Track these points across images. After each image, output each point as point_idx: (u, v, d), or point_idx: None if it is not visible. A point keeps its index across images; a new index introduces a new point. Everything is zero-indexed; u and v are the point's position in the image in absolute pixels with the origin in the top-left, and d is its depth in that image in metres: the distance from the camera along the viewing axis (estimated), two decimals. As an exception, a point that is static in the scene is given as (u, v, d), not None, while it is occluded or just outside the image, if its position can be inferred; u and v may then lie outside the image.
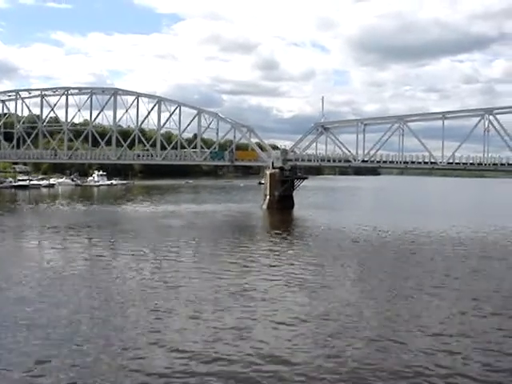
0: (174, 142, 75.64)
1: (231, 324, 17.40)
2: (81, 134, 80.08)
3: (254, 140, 74.44)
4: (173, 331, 16.68)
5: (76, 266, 26.73)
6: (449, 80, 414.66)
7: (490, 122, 64.40)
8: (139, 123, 77.06)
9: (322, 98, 75.56)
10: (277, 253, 32.61)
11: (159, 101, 76.11)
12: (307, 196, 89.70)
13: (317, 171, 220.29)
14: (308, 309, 19.55)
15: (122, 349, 14.92)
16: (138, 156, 79.02)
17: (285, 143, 63.28)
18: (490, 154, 65.79)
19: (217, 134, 74.97)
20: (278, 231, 44.62)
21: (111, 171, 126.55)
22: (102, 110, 78.67)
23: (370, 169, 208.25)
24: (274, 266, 27.85)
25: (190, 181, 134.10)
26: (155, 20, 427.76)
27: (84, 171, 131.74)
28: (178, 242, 36.17)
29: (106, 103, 78.08)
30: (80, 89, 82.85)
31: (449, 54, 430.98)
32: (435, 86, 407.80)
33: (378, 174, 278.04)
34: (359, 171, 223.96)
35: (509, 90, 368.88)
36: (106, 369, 13.53)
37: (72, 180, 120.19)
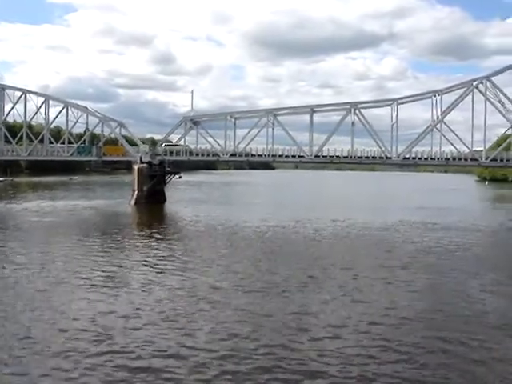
0: (40, 137, 72.12)
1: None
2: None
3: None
4: None
5: None
6: (342, 76, 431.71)
7: (356, 115, 67.34)
8: (3, 117, 73.99)
9: (192, 91, 74.38)
10: (121, 250, 32.37)
11: (24, 93, 72.91)
12: (186, 191, 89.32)
13: (212, 166, 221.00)
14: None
15: None
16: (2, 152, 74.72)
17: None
18: (355, 147, 69.11)
19: (87, 128, 73.47)
20: (137, 227, 43.94)
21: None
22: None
23: (263, 163, 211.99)
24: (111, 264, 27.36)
25: (75, 177, 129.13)
26: (46, 10, 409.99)
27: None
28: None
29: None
30: None
31: (342, 51, 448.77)
32: (329, 81, 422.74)
33: (273, 168, 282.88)
34: (254, 166, 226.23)
35: (398, 87, 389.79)
36: None
37: None
